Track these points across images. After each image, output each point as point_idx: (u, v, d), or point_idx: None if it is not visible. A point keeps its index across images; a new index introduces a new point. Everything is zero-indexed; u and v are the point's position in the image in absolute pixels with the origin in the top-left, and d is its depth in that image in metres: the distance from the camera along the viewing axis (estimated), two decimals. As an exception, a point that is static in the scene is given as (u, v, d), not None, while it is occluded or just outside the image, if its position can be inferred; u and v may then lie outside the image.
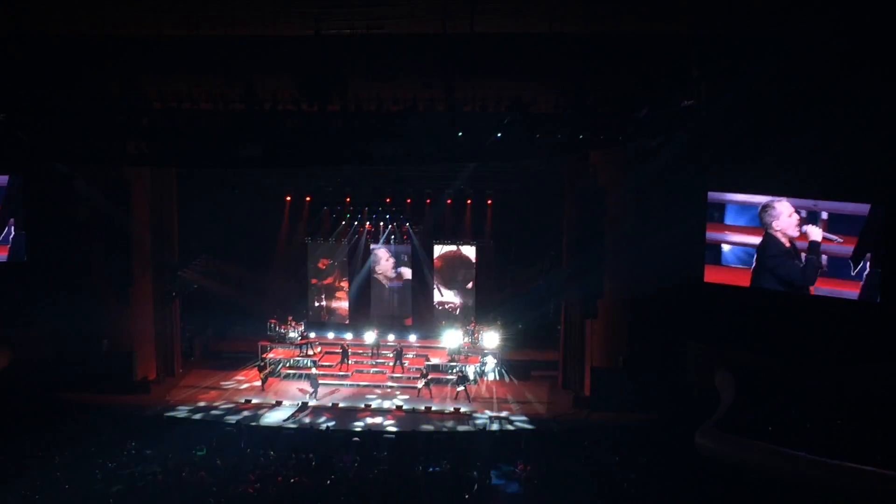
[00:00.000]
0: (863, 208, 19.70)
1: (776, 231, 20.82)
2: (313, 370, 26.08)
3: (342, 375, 26.73)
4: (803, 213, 20.47)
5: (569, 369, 26.14)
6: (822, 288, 20.42)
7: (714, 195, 21.73)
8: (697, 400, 21.52)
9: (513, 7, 17.13)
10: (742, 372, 20.61)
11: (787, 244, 20.71)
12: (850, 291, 20.00)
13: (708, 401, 20.23)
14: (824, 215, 20.25)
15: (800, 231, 20.52)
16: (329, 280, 31.36)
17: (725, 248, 21.78)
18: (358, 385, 26.39)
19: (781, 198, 20.67)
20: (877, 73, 17.14)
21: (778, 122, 19.55)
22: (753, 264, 21.30)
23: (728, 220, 21.64)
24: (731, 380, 20.37)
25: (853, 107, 17.82)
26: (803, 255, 20.47)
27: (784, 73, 18.02)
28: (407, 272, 30.80)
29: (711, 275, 21.97)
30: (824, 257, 20.29)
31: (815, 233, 20.31)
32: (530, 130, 19.16)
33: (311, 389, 24.97)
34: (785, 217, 20.69)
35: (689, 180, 21.53)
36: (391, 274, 30.93)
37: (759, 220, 21.01)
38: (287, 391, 25.83)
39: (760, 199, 20.97)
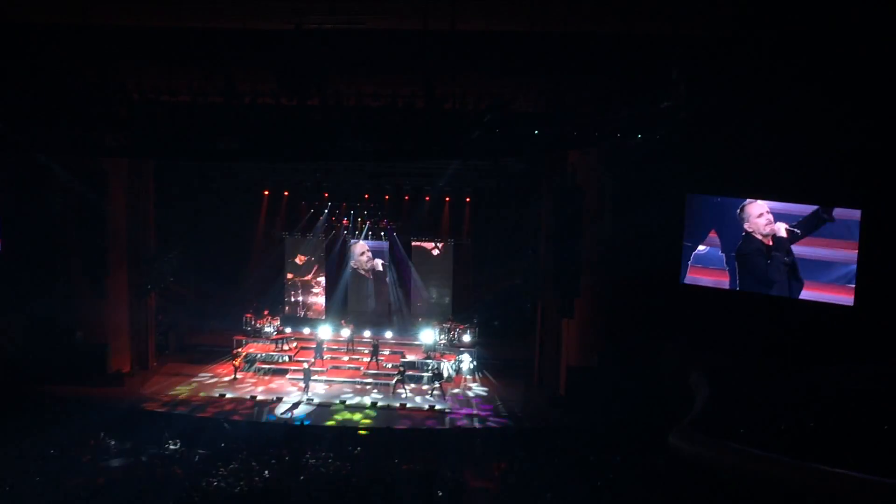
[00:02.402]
0: (841, 212, 19.90)
1: (748, 230, 21.05)
2: (305, 365, 25.96)
3: (317, 371, 26.63)
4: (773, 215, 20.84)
5: (544, 368, 26.22)
6: (804, 292, 20.68)
7: (693, 196, 21.83)
8: (672, 400, 21.57)
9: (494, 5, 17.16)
10: (716, 373, 20.70)
11: (759, 242, 20.96)
12: (826, 294, 20.24)
13: (682, 401, 20.29)
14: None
15: (770, 230, 20.76)
16: (306, 275, 31.33)
17: (702, 248, 21.90)
18: (333, 381, 26.31)
19: (757, 200, 20.85)
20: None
21: (757, 124, 19.66)
22: (733, 264, 21.47)
23: (706, 222, 21.76)
24: (706, 381, 20.45)
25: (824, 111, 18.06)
26: (774, 253, 20.73)
27: (761, 75, 18.17)
28: (380, 267, 30.84)
29: (688, 276, 22.09)
30: (800, 260, 20.51)
31: (780, 229, 20.60)
32: (510, 129, 19.16)
33: (303, 384, 24.91)
34: (754, 217, 20.98)
35: (668, 181, 21.55)
36: (367, 267, 30.99)
37: (738, 220, 21.21)
38: (268, 385, 25.80)
39: (738, 200, 21.13)
